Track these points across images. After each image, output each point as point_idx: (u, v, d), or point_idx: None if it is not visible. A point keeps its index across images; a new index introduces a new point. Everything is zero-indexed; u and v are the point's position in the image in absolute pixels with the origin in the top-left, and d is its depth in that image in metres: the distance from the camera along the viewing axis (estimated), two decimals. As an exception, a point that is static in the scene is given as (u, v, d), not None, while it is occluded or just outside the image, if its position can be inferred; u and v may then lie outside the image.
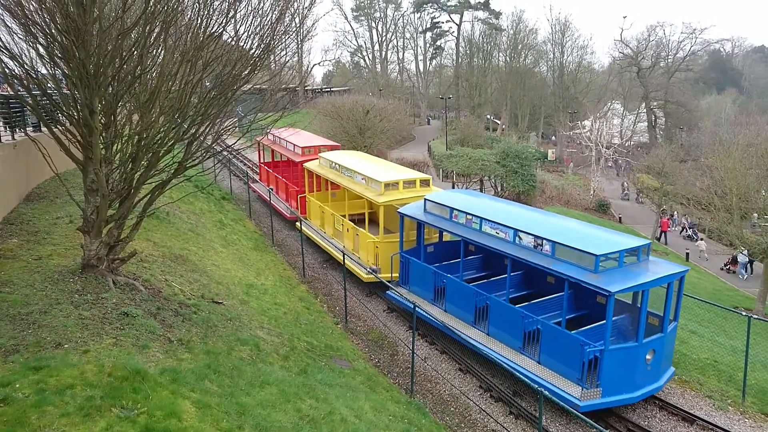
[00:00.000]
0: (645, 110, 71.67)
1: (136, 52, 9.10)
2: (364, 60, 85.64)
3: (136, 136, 9.94)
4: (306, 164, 21.86)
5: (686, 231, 41.74)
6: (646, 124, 71.70)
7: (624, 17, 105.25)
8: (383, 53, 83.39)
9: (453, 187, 36.82)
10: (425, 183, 17.94)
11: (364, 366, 13.03)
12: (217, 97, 10.63)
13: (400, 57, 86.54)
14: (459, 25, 76.91)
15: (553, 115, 71.60)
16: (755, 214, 32.81)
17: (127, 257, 10.92)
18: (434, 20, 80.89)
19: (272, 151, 27.12)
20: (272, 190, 25.23)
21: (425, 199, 15.48)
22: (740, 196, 30.24)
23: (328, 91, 70.80)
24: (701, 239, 37.99)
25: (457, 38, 77.27)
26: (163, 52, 9.73)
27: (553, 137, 73.90)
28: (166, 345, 8.89)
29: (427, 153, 54.85)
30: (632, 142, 64.97)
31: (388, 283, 15.96)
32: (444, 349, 14.46)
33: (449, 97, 66.63)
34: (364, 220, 18.72)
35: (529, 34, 75.10)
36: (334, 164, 20.11)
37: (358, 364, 12.91)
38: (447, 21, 79.33)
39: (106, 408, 6.38)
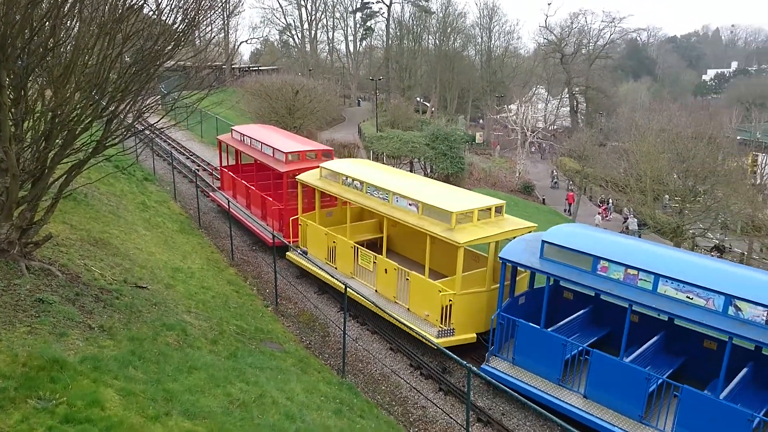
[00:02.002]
0: (567, 95, 74.31)
1: (48, 23, 8.53)
2: (293, 39, 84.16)
3: (50, 113, 9.36)
4: (299, 177, 17.27)
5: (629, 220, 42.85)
6: (568, 108, 74.36)
7: (549, 4, 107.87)
8: (313, 32, 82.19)
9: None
10: (499, 211, 13.72)
11: (295, 348, 12.99)
12: (138, 73, 10.14)
13: (330, 37, 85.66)
14: (389, 6, 76.83)
15: (480, 99, 73.04)
16: (666, 196, 34.86)
17: (42, 241, 10.33)
18: (364, 0, 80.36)
19: (237, 152, 22.46)
20: (231, 202, 20.26)
21: (544, 242, 11.46)
22: (654, 178, 32.00)
23: (256, 70, 69.18)
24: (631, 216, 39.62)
25: (387, 19, 77.19)
26: (78, 23, 9.16)
27: (481, 120, 75.47)
28: (86, 332, 8.51)
29: (357, 135, 54.76)
30: (555, 126, 67.26)
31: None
32: (375, 330, 14.61)
33: (380, 79, 66.60)
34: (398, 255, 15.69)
35: (458, 17, 76.09)
36: (350, 180, 15.65)
37: (289, 347, 12.85)
38: (377, 2, 79.06)
39: (20, 399, 6.05)
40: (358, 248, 15.57)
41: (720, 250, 33.68)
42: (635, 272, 10.23)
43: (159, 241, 16.85)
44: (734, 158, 38.63)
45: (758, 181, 47.80)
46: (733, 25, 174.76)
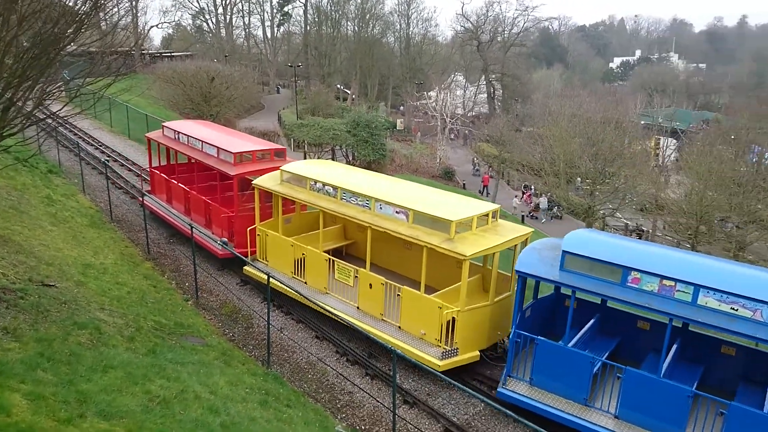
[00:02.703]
0: (485, 82, 76.14)
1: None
2: (207, 24, 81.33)
3: (-64, 100, 8.60)
4: (257, 181, 15.40)
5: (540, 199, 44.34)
6: (486, 95, 76.23)
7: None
8: (228, 17, 79.74)
9: (305, 157, 36.60)
10: (494, 216, 12.72)
11: (218, 341, 12.69)
12: (36, 58, 9.48)
13: (246, 22, 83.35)
14: (307, -8, 75.73)
15: (400, 86, 73.58)
16: (579, 179, 36.52)
17: (-67, 240, 9.52)
18: (281, -15, 78.83)
19: (168, 150, 20.41)
20: (168, 209, 18.58)
21: (565, 252, 10.32)
22: (566, 161, 33.45)
23: (168, 56, 66.50)
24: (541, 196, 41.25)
25: (305, 5, 76.08)
26: (-35, 3, 8.45)
27: (402, 107, 76.04)
28: (-13, 335, 7.95)
29: (277, 122, 53.88)
30: (474, 113, 68.84)
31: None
32: (300, 319, 14.50)
33: (299, 66, 65.70)
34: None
35: (377, 4, 76.07)
36: (320, 185, 13.99)
37: (211, 340, 12.54)
38: (294, -14, 77.71)
39: None
40: (334, 261, 13.99)
41: (639, 233, 35.64)
42: (672, 283, 9.35)
43: (67, 237, 15.96)
44: (639, 142, 41.02)
45: (660, 163, 51.02)
46: (636, 16, 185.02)
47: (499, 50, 77.04)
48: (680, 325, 10.79)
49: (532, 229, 12.56)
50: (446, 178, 46.82)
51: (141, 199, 19.84)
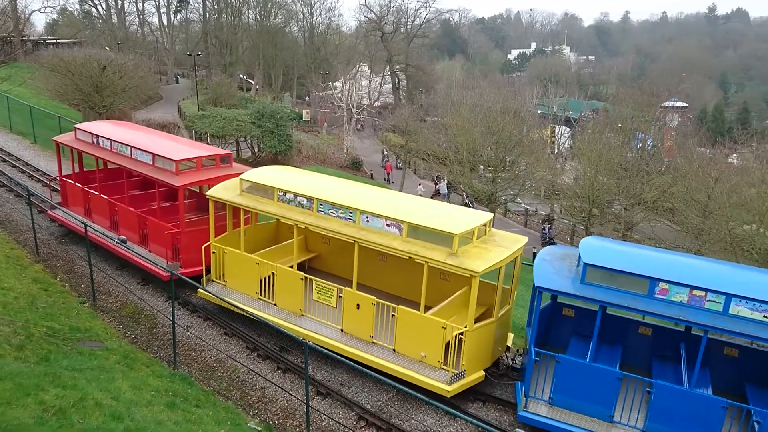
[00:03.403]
0: (389, 73, 76.81)
1: None
2: (97, 9, 76.52)
3: None
4: (211, 192, 13.62)
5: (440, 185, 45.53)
6: (391, 85, 76.97)
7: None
8: (119, 2, 75.42)
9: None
10: (490, 225, 12.06)
11: (119, 344, 12.07)
12: None
13: (140, 8, 79.20)
14: (204, -22, 72.96)
15: (306, 76, 72.72)
16: (481, 166, 37.77)
17: None
18: (176, -30, 75.48)
19: (81, 156, 17.87)
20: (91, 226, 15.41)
21: (586, 265, 9.79)
22: (469, 150, 34.47)
23: (53, 43, 61.93)
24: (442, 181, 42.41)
25: (204, -8, 73.31)
26: None
27: (307, 98, 75.34)
28: None
29: (177, 114, 51.75)
30: (380, 103, 69.37)
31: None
32: (208, 316, 14.06)
33: (198, 55, 63.37)
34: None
35: (279, -8, 74.58)
36: (290, 196, 12.55)
37: (111, 343, 11.91)
38: (191, -28, 74.64)
39: None
40: (312, 280, 12.55)
41: (550, 221, 37.23)
42: (702, 293, 9.12)
43: (-58, 240, 14.57)
44: (536, 130, 43.00)
45: (556, 151, 53.75)
46: (531, 9, 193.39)
47: (402, 41, 77.92)
48: (683, 329, 11.15)
49: (526, 238, 11.99)
50: (354, 168, 46.95)
51: (48, 212, 17.99)
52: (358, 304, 11.80)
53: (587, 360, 10.14)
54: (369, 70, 76.61)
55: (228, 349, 12.92)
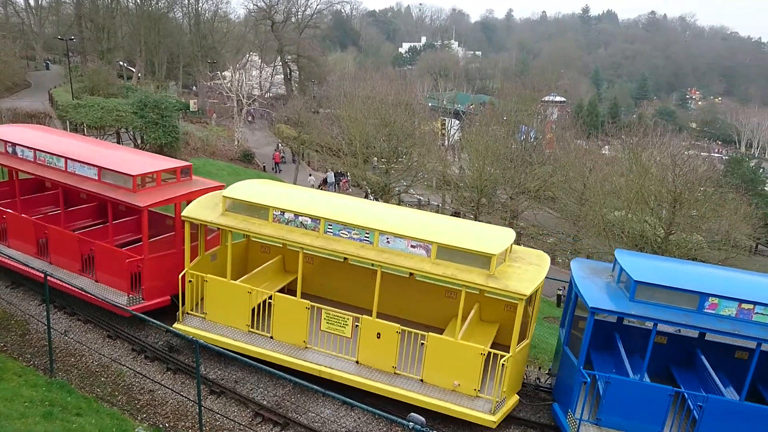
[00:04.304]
0: (281, 63, 75.50)
1: None
2: (-50, -15, 68.88)
3: None
4: (187, 213, 11.79)
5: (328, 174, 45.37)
6: (282, 76, 75.70)
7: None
8: (-23, -21, 68.38)
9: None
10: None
11: (-16, 354, 11.02)
12: None
13: (3, -14, 72.25)
14: (77, -43, 67.72)
15: (192, 65, 69.75)
16: (375, 158, 38.19)
17: None
18: (44, -53, 69.48)
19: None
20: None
21: (637, 282, 9.66)
22: (363, 142, 34.72)
23: None
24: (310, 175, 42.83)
25: (76, -29, 68.08)
26: None
27: (195, 87, 72.39)
28: None
29: (48, 102, 47.83)
30: (271, 94, 68.03)
31: None
32: (88, 319, 13.16)
33: (71, 39, 58.84)
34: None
35: (160, -25, 70.79)
36: (291, 215, 11.21)
37: (-25, 354, 10.84)
38: (60, -51, 68.98)
39: None
40: (320, 309, 11.32)
41: (457, 214, 38.01)
42: (750, 306, 9.28)
43: None
44: (427, 123, 44.06)
45: (446, 142, 55.41)
46: (420, 3, 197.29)
47: (293, 31, 76.81)
48: (696, 335, 11.37)
49: (548, 256, 11.59)
50: (246, 161, 45.77)
51: None
52: (378, 333, 10.80)
53: (639, 378, 10.04)
54: (260, 60, 74.85)
55: (112, 352, 12.17)
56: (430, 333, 10.74)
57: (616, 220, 25.60)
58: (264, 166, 46.35)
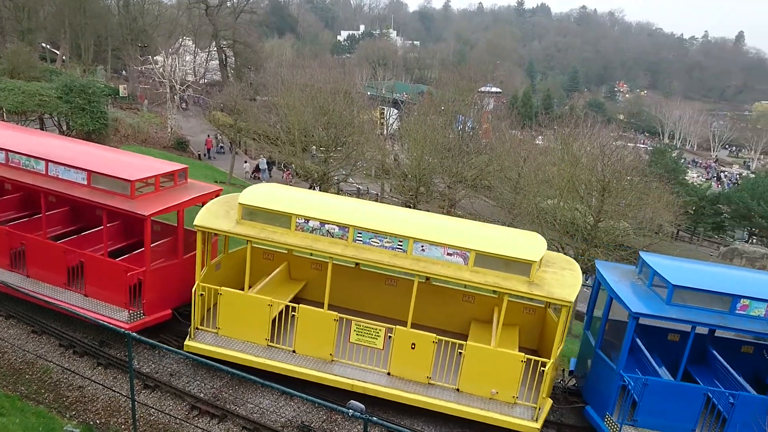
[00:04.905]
0: (216, 48, 73.48)
1: None
2: None
3: None
4: (200, 222, 11.03)
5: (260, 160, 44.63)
6: (218, 62, 73.73)
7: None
8: None
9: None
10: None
11: None
12: None
13: None
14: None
15: (122, 48, 66.92)
16: (314, 147, 37.85)
17: None
18: None
19: None
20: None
21: (674, 286, 9.93)
22: (301, 130, 34.32)
23: None
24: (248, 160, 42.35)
25: (-8, -54, 63.87)
26: None
27: (124, 72, 69.57)
28: None
29: (-37, 86, 44.84)
30: (206, 80, 66.19)
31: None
32: (11, 314, 12.52)
33: (-12, 18, 55.30)
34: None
35: (86, -47, 67.35)
36: (316, 223, 10.76)
37: None
38: None
39: None
40: (350, 321, 10.99)
41: (409, 205, 37.91)
42: None
43: None
44: (366, 111, 43.97)
45: (385, 132, 55.56)
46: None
47: (229, 16, 74.74)
48: (706, 332, 11.73)
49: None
50: (180, 149, 44.41)
51: None
52: (413, 344, 10.62)
53: (677, 379, 10.36)
54: (193, 45, 72.62)
55: (37, 348, 11.65)
56: (468, 342, 10.71)
57: (548, 208, 26.38)
58: (199, 155, 45.19)
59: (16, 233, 12.82)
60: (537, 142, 38.38)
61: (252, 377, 7.89)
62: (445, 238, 10.43)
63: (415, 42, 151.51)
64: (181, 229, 12.34)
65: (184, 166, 13.17)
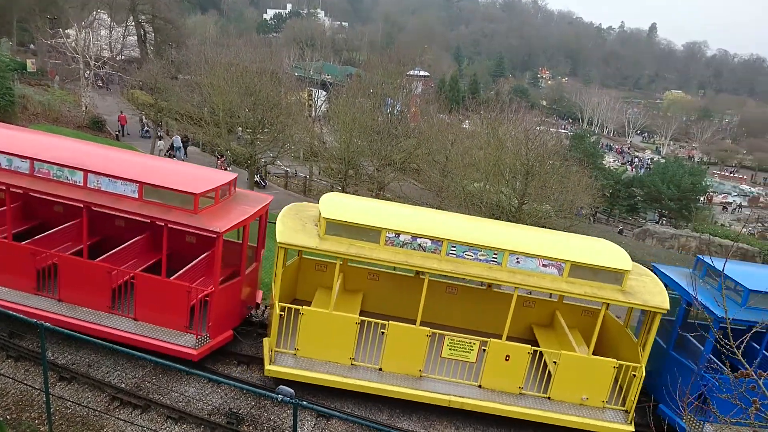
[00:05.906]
0: (134, 23, 70.02)
1: None
2: None
3: None
4: (283, 239, 10.43)
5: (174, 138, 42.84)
6: (136, 37, 70.32)
7: None
8: None
9: None
10: None
11: None
12: None
13: None
14: None
15: (29, 20, 62.56)
16: (240, 128, 36.90)
17: None
18: None
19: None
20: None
21: (751, 291, 10.50)
22: (226, 111, 33.34)
23: None
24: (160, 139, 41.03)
25: None
26: None
27: (32, 46, 65.18)
28: None
29: None
30: (123, 56, 63.06)
31: None
32: None
33: None
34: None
35: None
36: (408, 237, 10.45)
37: None
38: None
39: None
40: (444, 336, 10.72)
41: (378, 195, 37.32)
42: None
43: None
44: (293, 93, 43.23)
45: (314, 113, 54.93)
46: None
47: (148, -11, 71.34)
48: None
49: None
50: (95, 128, 42.16)
51: None
52: (507, 356, 10.66)
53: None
54: (109, 19, 68.85)
55: (-63, 342, 10.81)
56: (563, 351, 10.89)
57: (475, 191, 26.95)
58: (117, 135, 43.11)
59: (43, 251, 11.29)
60: (464, 126, 38.97)
61: (176, 365, 7.62)
62: (539, 250, 10.52)
63: (344, 23, 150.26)
64: (245, 245, 11.62)
65: (234, 175, 12.17)
